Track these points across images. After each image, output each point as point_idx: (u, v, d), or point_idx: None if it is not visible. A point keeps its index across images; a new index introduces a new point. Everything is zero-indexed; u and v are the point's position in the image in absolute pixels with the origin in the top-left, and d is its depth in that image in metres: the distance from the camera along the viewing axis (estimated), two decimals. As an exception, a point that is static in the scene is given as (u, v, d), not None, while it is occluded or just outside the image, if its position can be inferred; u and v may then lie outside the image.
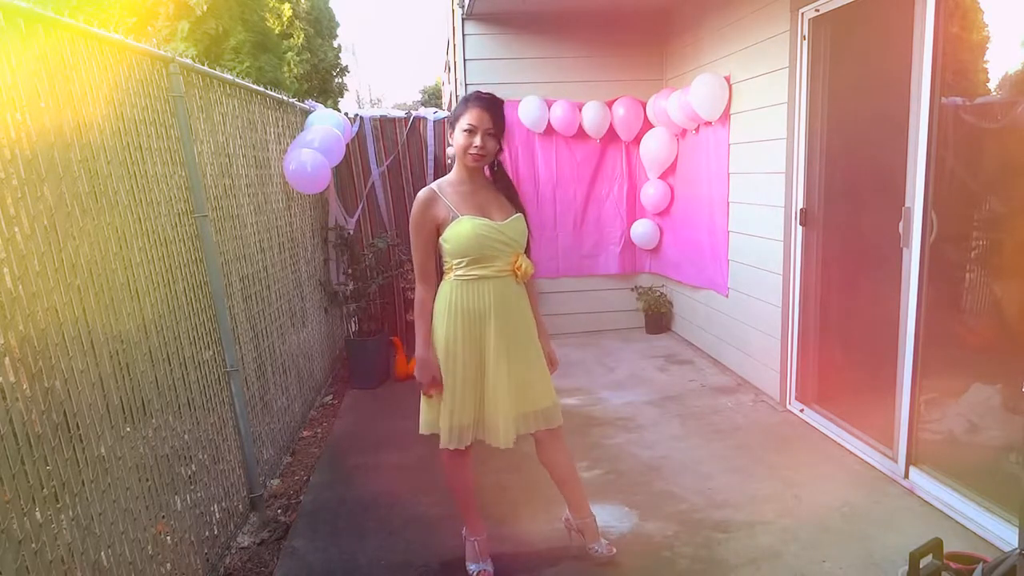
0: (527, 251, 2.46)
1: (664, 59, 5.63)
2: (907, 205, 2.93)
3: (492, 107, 2.29)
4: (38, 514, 1.58)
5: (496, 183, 2.47)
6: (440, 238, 2.35)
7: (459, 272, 2.35)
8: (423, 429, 2.48)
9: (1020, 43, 2.68)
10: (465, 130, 2.27)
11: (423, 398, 2.44)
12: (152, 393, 2.23)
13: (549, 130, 5.56)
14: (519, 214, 2.42)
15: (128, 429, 2.05)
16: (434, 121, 5.43)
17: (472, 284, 2.34)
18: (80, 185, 1.92)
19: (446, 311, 2.36)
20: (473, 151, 2.28)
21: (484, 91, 2.36)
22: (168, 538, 2.25)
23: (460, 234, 2.30)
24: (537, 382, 2.44)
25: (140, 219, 2.26)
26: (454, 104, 6.43)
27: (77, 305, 1.84)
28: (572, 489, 2.61)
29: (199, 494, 2.54)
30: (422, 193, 2.36)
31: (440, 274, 2.44)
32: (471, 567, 2.54)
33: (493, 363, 2.35)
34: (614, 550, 2.59)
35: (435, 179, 5.66)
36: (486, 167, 2.42)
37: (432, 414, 2.43)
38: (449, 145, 2.44)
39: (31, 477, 1.57)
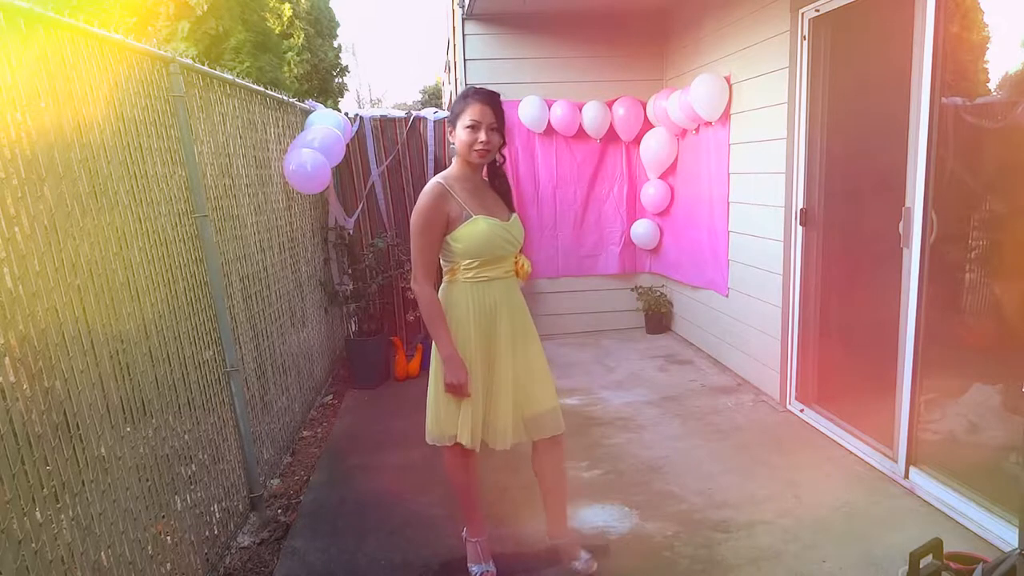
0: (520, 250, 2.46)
1: (664, 59, 5.63)
2: (907, 205, 2.93)
3: (492, 101, 2.26)
4: (38, 514, 1.58)
5: (492, 181, 2.44)
6: (448, 236, 2.26)
7: (468, 274, 2.29)
8: (438, 439, 2.39)
9: (1020, 43, 2.68)
10: (468, 126, 2.23)
11: (438, 404, 2.35)
12: (152, 393, 2.23)
13: (549, 130, 5.56)
14: (516, 213, 2.43)
15: (128, 429, 2.05)
16: (434, 121, 5.43)
17: (482, 286, 2.30)
18: (80, 185, 1.92)
19: (458, 315, 2.29)
20: (479, 147, 2.23)
21: (479, 86, 2.32)
22: (168, 538, 2.25)
23: (475, 234, 2.24)
24: (538, 383, 2.40)
25: (140, 219, 2.26)
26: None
27: (77, 305, 1.84)
28: (557, 502, 2.54)
29: (199, 494, 2.54)
30: (432, 187, 2.25)
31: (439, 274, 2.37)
32: (474, 569, 2.53)
33: (500, 364, 2.32)
34: (595, 566, 2.50)
35: (435, 179, 5.66)
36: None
37: (448, 420, 2.34)
38: (451, 144, 2.33)
39: (31, 477, 1.56)
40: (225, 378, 2.91)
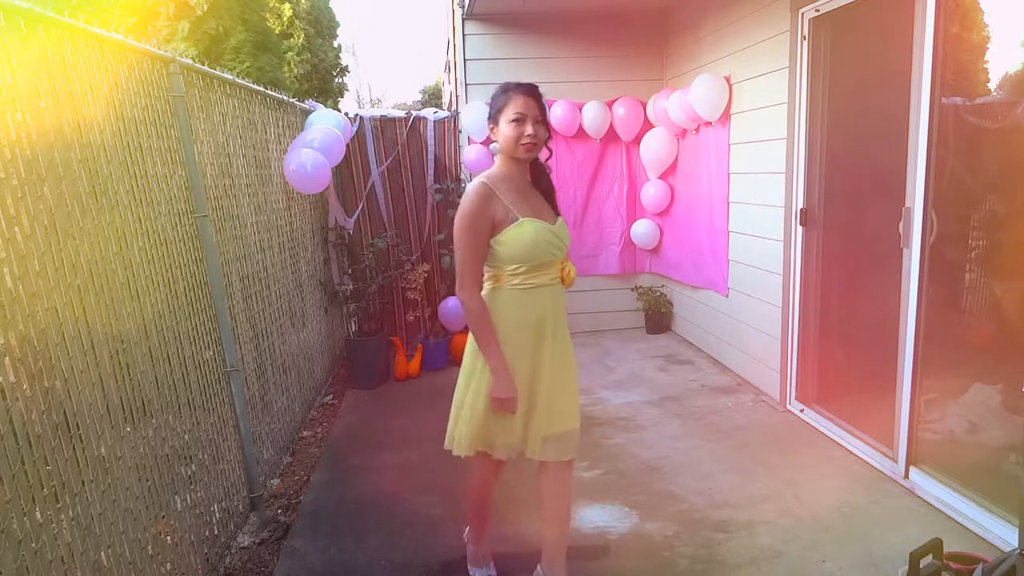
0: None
1: (664, 59, 5.63)
2: (907, 205, 2.94)
3: (535, 93, 2.15)
4: (38, 514, 1.58)
5: (535, 182, 2.29)
6: (492, 240, 2.12)
7: (514, 281, 2.15)
8: (466, 449, 2.23)
9: (1020, 43, 2.68)
10: (513, 120, 2.10)
11: (473, 413, 2.20)
12: (152, 393, 2.23)
13: (549, 130, 5.54)
14: (561, 216, 2.29)
15: (128, 429, 2.05)
16: (434, 121, 5.43)
17: (529, 294, 2.16)
18: (80, 185, 1.92)
19: (504, 325, 2.15)
20: (526, 140, 2.10)
21: (517, 81, 2.20)
22: (168, 538, 2.25)
23: (522, 238, 2.10)
24: (567, 401, 2.28)
25: (140, 219, 2.26)
26: (454, 104, 6.44)
27: (77, 305, 1.84)
28: (559, 534, 2.35)
29: (199, 494, 2.54)
30: (477, 187, 2.11)
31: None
32: (476, 573, 2.51)
33: (544, 377, 2.20)
34: None
35: (435, 179, 5.69)
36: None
37: (483, 432, 2.20)
38: (493, 141, 2.22)
39: (31, 477, 1.57)
40: (225, 378, 2.91)
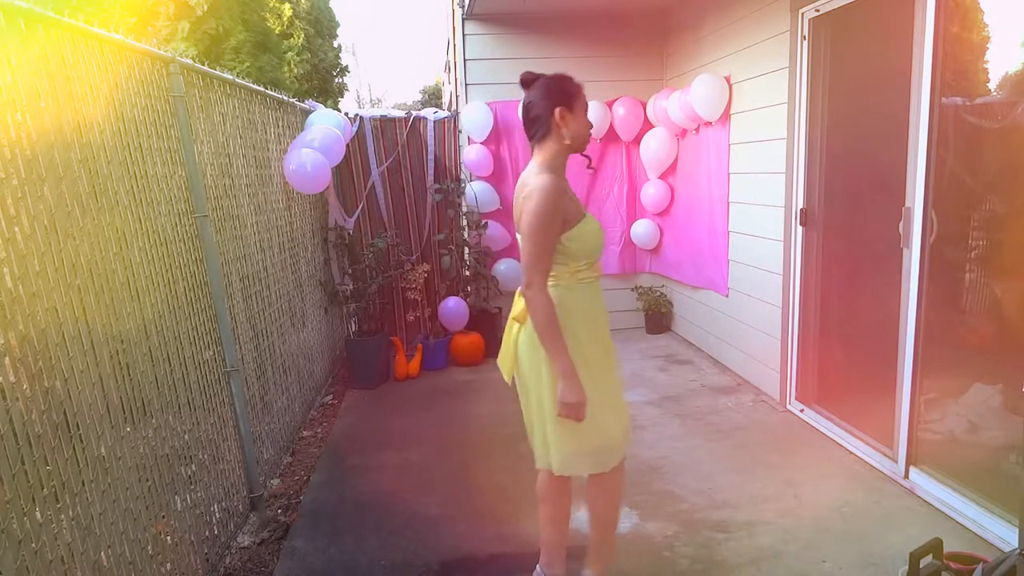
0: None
1: (664, 59, 5.63)
2: (907, 205, 2.94)
3: None
4: (38, 514, 1.58)
5: None
6: (563, 236, 2.06)
7: (581, 275, 2.13)
8: (613, 456, 2.21)
9: (1020, 43, 2.68)
10: (586, 112, 2.14)
11: (605, 414, 2.14)
12: (152, 393, 2.23)
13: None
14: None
15: (128, 429, 2.05)
16: (434, 121, 5.43)
17: (591, 287, 2.18)
18: (80, 185, 1.92)
19: (582, 319, 2.12)
20: (591, 134, 2.18)
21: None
22: (168, 538, 2.25)
23: (591, 233, 2.12)
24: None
25: (140, 219, 2.26)
26: (454, 104, 6.43)
27: (77, 305, 1.84)
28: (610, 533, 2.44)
29: (199, 494, 2.54)
30: (552, 184, 2.02)
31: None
32: None
33: (615, 368, 2.26)
34: None
35: (435, 180, 5.68)
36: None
37: (612, 434, 2.18)
38: (564, 133, 2.10)
39: (31, 477, 1.57)
40: (225, 378, 2.91)
